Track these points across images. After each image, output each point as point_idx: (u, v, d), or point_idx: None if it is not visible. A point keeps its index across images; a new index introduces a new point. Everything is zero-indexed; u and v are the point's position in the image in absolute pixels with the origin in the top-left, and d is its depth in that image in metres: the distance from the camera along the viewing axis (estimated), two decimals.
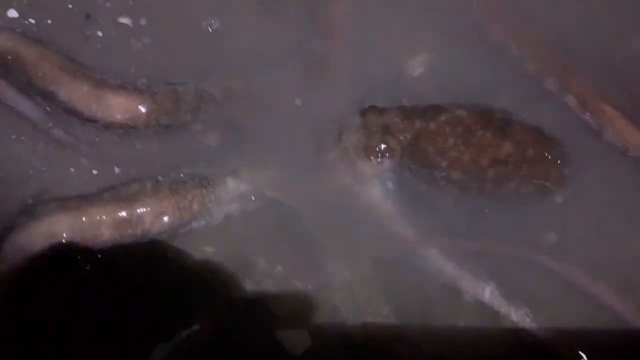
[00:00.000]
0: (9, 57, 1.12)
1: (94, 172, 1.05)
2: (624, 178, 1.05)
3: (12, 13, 1.21)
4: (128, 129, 1.08)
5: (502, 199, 1.05)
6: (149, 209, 0.96)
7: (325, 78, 1.13)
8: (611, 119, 1.05)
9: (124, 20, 1.21)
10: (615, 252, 1.04)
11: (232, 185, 1.01)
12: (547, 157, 1.05)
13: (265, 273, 0.99)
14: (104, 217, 0.94)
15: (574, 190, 1.05)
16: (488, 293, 1.02)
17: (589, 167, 1.06)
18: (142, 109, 1.08)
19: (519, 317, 1.02)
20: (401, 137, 1.03)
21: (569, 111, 1.09)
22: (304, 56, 1.14)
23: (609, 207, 1.06)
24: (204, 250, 1.00)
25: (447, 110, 1.07)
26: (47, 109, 1.10)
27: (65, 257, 0.94)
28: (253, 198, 1.03)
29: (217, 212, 1.01)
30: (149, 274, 0.99)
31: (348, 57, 1.14)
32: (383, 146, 1.03)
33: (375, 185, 1.03)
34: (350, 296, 1.02)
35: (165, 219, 0.97)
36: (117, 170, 1.06)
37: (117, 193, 0.98)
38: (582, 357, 1.00)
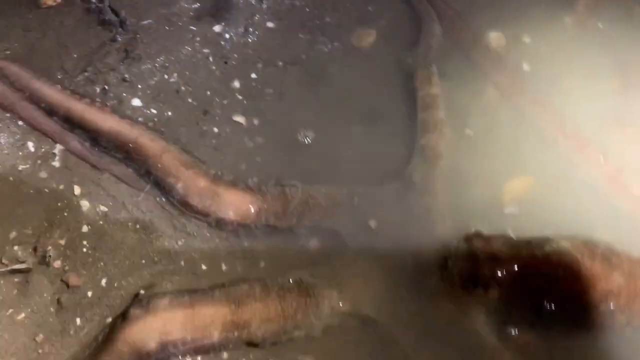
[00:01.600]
0: (131, 146, 1.19)
1: (203, 267, 1.08)
2: None
3: (136, 102, 1.29)
4: (238, 226, 1.11)
5: (611, 332, 1.02)
6: (257, 314, 0.98)
7: (426, 201, 1.14)
8: None
9: (239, 118, 1.27)
10: None
11: (335, 301, 1.02)
12: None
13: None
14: (214, 318, 0.96)
15: None
16: None
17: None
18: (253, 208, 1.12)
19: None
20: (508, 267, 1.03)
21: None
22: (405, 177, 1.17)
23: None
24: None
25: (550, 241, 1.06)
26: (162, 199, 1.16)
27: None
28: (353, 315, 1.03)
29: (318, 323, 1.01)
30: None
31: (448, 184, 1.16)
32: (490, 275, 1.02)
33: (479, 315, 1.02)
34: None
35: (271, 325, 0.98)
36: (224, 267, 1.08)
37: (228, 293, 1.00)
38: None
